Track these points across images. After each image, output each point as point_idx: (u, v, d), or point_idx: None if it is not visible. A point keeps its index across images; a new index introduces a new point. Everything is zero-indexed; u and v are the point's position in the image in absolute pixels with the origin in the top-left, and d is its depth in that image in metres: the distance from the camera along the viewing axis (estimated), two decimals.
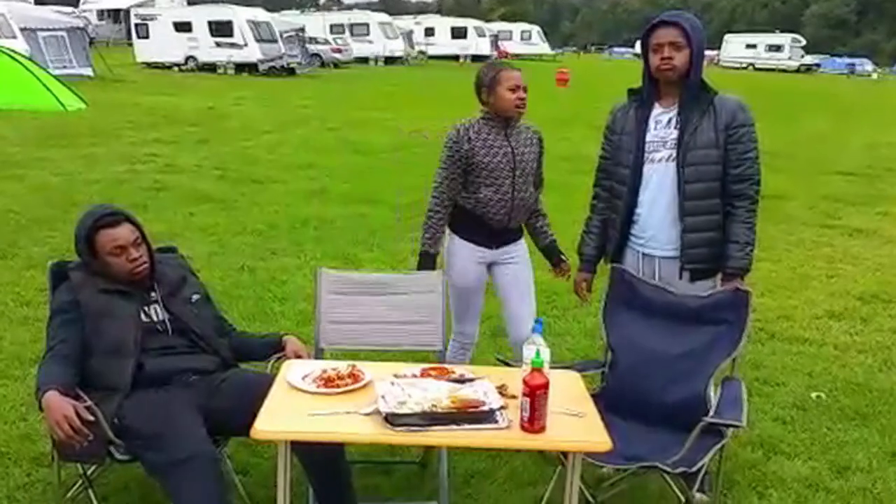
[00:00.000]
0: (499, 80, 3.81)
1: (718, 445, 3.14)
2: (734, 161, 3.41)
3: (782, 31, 65.32)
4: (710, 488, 3.51)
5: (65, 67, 25.05)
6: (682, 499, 3.21)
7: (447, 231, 4.01)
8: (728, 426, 3.10)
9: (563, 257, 4.20)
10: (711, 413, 3.07)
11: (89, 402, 2.86)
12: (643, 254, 3.63)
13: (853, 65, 65.03)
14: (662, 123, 3.49)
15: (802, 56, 60.74)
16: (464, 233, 3.97)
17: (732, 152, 3.40)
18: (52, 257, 3.44)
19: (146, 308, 3.24)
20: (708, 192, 3.44)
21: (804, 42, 61.78)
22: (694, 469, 2.99)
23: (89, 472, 3.20)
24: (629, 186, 3.56)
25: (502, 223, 3.93)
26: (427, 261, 3.94)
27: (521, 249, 4.08)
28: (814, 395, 4.79)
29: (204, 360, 3.27)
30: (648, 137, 3.50)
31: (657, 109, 3.52)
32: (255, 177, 11.11)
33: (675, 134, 3.45)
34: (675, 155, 3.44)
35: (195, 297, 3.41)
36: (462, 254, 3.98)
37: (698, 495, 3.48)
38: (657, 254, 3.59)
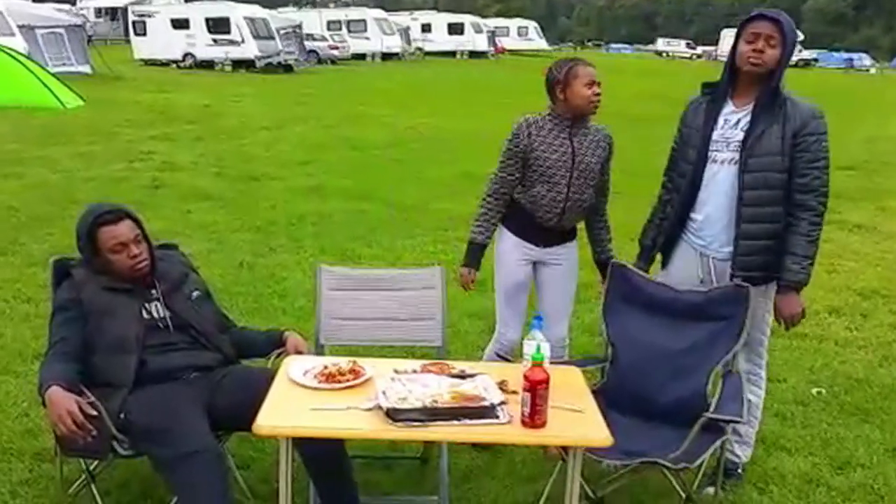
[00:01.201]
0: (575, 74, 3.66)
1: (719, 441, 3.15)
2: (800, 170, 3.28)
3: None
4: (719, 483, 3.51)
5: (63, 65, 25.03)
6: (683, 495, 3.22)
7: (500, 226, 3.93)
8: (728, 422, 3.11)
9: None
10: (712, 409, 3.08)
11: (92, 398, 2.87)
12: (701, 254, 3.56)
13: (851, 59, 65.06)
14: (731, 123, 3.39)
15: (800, 51, 60.71)
16: (513, 227, 3.88)
17: (799, 160, 3.28)
18: (52, 254, 3.44)
19: (147, 305, 3.25)
20: (768, 200, 3.33)
21: (802, 37, 61.72)
22: (694, 465, 3.00)
23: (92, 468, 3.20)
24: (688, 183, 3.48)
25: (553, 222, 3.81)
26: (472, 250, 3.88)
27: (571, 253, 3.95)
28: (814, 390, 4.80)
29: (205, 356, 3.28)
30: (714, 136, 3.41)
31: (729, 107, 3.42)
32: (253, 174, 11.10)
33: (740, 136, 3.34)
34: (737, 158, 3.34)
35: (196, 293, 3.42)
36: (509, 248, 3.90)
37: (707, 489, 3.49)
38: (713, 254, 3.52)
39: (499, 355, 3.94)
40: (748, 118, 3.35)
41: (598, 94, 3.69)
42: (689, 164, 3.48)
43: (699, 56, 66.60)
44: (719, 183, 3.41)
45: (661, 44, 79.03)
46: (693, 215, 3.52)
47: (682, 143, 3.55)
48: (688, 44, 76.28)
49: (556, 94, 3.72)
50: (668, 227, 3.62)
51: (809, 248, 3.33)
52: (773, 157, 3.29)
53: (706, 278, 3.56)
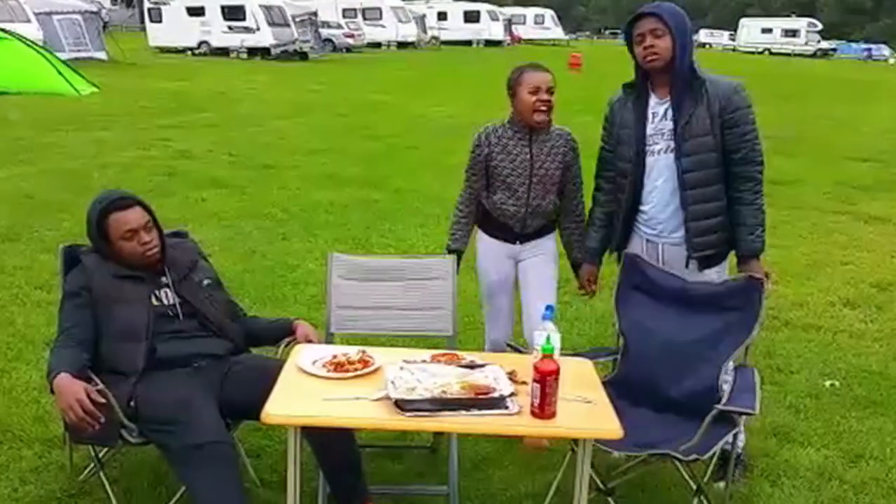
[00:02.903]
0: (520, 80, 3.71)
1: (731, 433, 3.12)
2: (734, 144, 3.37)
3: (798, 16, 64.77)
4: (737, 475, 3.48)
5: (79, 51, 25.22)
6: (694, 487, 3.19)
7: (477, 228, 4.03)
8: (741, 413, 3.08)
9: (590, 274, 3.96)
10: (724, 400, 3.06)
11: (101, 386, 2.87)
12: (647, 240, 3.62)
13: (869, 50, 64.46)
14: (659, 115, 3.46)
15: (818, 41, 60.29)
16: (488, 228, 3.98)
17: (731, 136, 3.36)
18: (64, 241, 3.44)
19: (157, 292, 3.25)
20: (708, 180, 3.41)
21: (820, 27, 61.29)
22: (706, 456, 2.98)
23: (101, 455, 3.21)
24: (631, 180, 3.53)
25: (518, 228, 3.90)
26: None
27: (550, 244, 4.01)
28: (827, 383, 4.76)
29: (215, 344, 3.27)
30: (648, 130, 3.48)
31: (653, 100, 3.49)
32: (267, 162, 11.11)
33: (670, 125, 3.42)
34: (672, 146, 3.42)
35: (206, 281, 3.41)
36: (484, 249, 4.00)
37: (717, 484, 3.47)
38: (662, 241, 3.57)
39: None
40: (671, 106, 3.42)
41: (543, 101, 3.67)
42: (628, 162, 3.53)
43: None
44: (660, 172, 3.48)
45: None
46: (641, 208, 3.58)
47: (617, 143, 3.60)
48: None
49: (510, 98, 3.77)
50: (617, 226, 3.68)
51: (758, 215, 3.43)
52: (704, 138, 3.37)
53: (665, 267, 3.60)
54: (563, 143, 3.83)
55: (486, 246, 4.00)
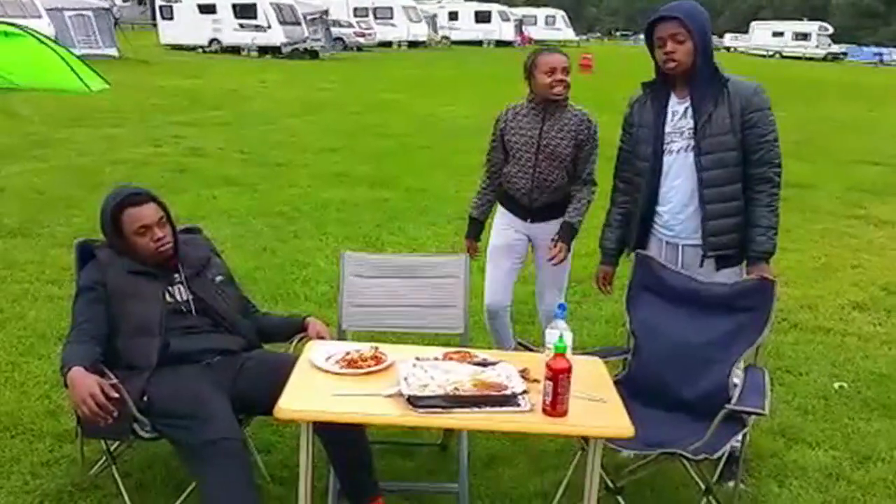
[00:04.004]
0: (536, 63, 3.91)
1: (741, 433, 3.13)
2: (752, 145, 3.37)
3: (809, 20, 64.51)
4: (739, 475, 3.47)
5: (90, 48, 25.31)
6: (703, 486, 3.20)
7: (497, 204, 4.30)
8: (750, 413, 3.09)
9: (562, 240, 4.06)
10: (734, 400, 3.06)
11: (114, 380, 2.88)
12: (666, 242, 3.62)
13: (881, 54, 64.13)
14: (679, 114, 3.46)
15: (829, 45, 59.99)
16: (503, 201, 4.25)
17: (750, 136, 3.36)
18: (76, 237, 3.46)
19: (170, 288, 3.26)
20: (727, 179, 3.41)
21: (831, 30, 61.01)
22: (715, 456, 2.99)
23: (113, 450, 3.23)
24: (649, 178, 3.53)
25: (525, 200, 4.09)
26: (470, 223, 4.33)
27: (556, 229, 4.13)
28: (836, 385, 4.76)
29: (227, 340, 3.29)
30: (667, 129, 3.48)
31: (673, 100, 3.48)
32: (278, 160, 11.14)
33: (690, 123, 3.42)
34: (692, 144, 3.41)
35: (219, 277, 3.43)
36: (498, 219, 4.27)
37: (727, 484, 3.47)
38: (680, 242, 3.57)
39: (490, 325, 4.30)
40: (691, 105, 3.42)
41: (560, 81, 3.87)
42: (646, 161, 3.53)
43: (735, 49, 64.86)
44: (679, 171, 3.48)
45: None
46: (659, 209, 3.58)
47: (635, 142, 3.61)
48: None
49: (528, 80, 3.98)
50: (634, 226, 3.68)
51: (772, 218, 3.43)
52: (724, 137, 3.37)
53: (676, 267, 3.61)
54: (577, 122, 3.96)
55: (498, 216, 4.28)
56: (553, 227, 4.09)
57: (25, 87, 15.71)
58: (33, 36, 16.62)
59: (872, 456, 3.97)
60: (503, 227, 4.22)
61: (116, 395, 2.81)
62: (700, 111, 3.38)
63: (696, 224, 3.49)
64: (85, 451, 3.43)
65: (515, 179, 4.06)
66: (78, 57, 18.26)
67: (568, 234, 4.07)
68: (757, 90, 3.40)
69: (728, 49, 66.55)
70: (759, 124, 3.36)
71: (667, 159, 3.49)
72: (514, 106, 4.08)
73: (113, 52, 26.85)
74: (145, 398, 2.98)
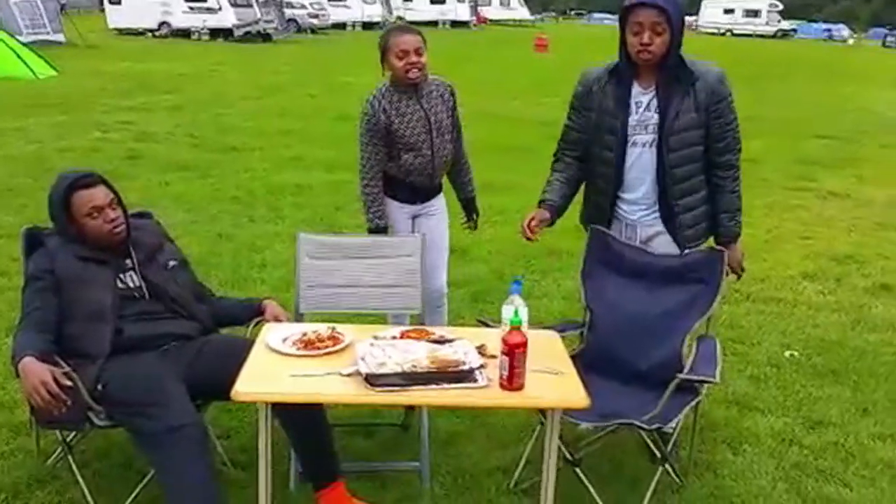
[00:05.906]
0: (388, 46, 3.79)
1: (693, 402, 3.20)
2: (718, 134, 3.38)
3: None
4: (693, 443, 3.54)
5: (37, 33, 24.67)
6: (658, 455, 3.26)
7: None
8: (702, 382, 3.15)
9: (476, 213, 4.36)
10: (686, 370, 3.12)
11: (67, 368, 2.85)
12: (626, 224, 3.60)
13: (830, 30, 65.05)
14: (643, 105, 3.37)
15: (779, 21, 60.66)
16: (389, 191, 4.05)
17: (715, 126, 3.36)
18: (25, 226, 3.39)
19: (122, 275, 3.22)
20: (695, 171, 3.43)
21: (781, 7, 61.68)
22: (669, 426, 3.04)
23: (69, 439, 3.19)
24: (614, 168, 3.47)
25: (426, 183, 4.07)
26: (381, 235, 4.01)
27: (440, 202, 4.21)
28: (787, 353, 4.87)
29: (182, 325, 3.26)
30: (631, 121, 3.39)
31: (636, 89, 3.39)
32: (232, 144, 10.99)
33: (655, 118, 3.36)
34: (656, 140, 3.37)
35: (172, 262, 3.39)
36: (393, 211, 4.09)
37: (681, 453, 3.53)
38: (641, 224, 3.57)
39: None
40: (657, 98, 3.36)
41: (412, 64, 3.75)
42: (609, 150, 3.46)
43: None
44: (644, 165, 3.45)
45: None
46: (622, 195, 3.55)
47: (594, 128, 3.48)
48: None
49: (382, 64, 3.86)
50: (597, 209, 3.63)
51: (738, 201, 3.53)
52: (692, 132, 3.36)
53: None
54: (444, 90, 4.00)
55: (393, 209, 4.08)
56: (435, 200, 4.15)
57: None
58: None
59: (823, 421, 4.07)
60: (400, 219, 4.09)
61: (69, 383, 2.79)
62: (666, 107, 3.32)
63: (657, 213, 3.50)
64: (41, 443, 3.39)
65: (415, 167, 3.95)
66: (24, 44, 17.87)
67: (475, 208, 4.32)
68: (721, 78, 3.35)
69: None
70: (723, 114, 3.36)
71: (631, 151, 3.43)
72: (381, 93, 3.85)
73: (60, 37, 26.23)
74: (100, 386, 2.95)
